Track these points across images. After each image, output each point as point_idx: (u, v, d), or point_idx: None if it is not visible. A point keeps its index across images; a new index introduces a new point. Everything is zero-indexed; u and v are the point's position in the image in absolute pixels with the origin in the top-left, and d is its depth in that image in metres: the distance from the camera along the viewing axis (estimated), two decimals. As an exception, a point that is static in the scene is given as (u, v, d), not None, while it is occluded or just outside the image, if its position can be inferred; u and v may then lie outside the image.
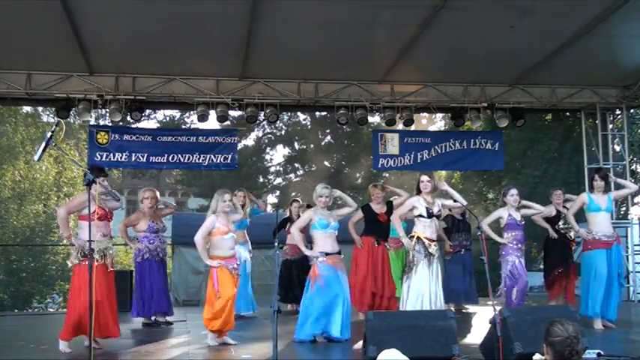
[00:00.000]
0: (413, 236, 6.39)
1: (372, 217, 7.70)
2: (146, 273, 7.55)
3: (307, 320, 6.19)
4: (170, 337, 7.03)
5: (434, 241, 6.46)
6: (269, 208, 26.08)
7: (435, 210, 6.44)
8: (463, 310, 8.82)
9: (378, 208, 7.75)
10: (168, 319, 7.83)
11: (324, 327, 6.18)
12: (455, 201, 6.65)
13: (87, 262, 5.25)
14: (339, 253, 6.34)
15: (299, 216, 8.71)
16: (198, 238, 5.98)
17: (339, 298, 6.17)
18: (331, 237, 6.33)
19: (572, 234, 8.13)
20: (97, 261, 5.71)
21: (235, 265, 6.11)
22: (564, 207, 7.87)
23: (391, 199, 7.99)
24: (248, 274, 8.30)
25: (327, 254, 6.24)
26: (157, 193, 7.82)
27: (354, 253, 7.80)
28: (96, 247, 5.63)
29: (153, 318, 7.74)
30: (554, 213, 7.94)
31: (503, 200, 7.26)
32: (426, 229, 6.38)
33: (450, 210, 8.10)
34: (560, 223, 8.11)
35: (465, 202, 6.78)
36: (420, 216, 6.39)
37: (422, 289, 6.21)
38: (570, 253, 8.07)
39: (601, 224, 6.96)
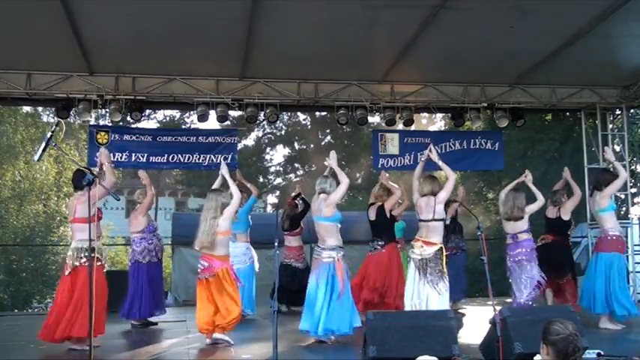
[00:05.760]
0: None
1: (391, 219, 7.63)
2: (129, 276, 7.56)
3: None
4: (170, 337, 7.04)
5: (427, 243, 6.34)
6: (269, 209, 26.11)
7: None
8: (460, 310, 8.79)
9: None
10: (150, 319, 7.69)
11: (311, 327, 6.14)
12: None
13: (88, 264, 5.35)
14: (333, 248, 6.25)
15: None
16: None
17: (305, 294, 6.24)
18: (321, 227, 6.37)
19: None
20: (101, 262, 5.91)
21: (209, 267, 6.09)
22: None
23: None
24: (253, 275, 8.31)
25: None
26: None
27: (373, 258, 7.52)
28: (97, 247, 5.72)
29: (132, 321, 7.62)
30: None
31: None
32: (420, 230, 6.48)
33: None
34: None
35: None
36: None
37: (408, 291, 6.39)
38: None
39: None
